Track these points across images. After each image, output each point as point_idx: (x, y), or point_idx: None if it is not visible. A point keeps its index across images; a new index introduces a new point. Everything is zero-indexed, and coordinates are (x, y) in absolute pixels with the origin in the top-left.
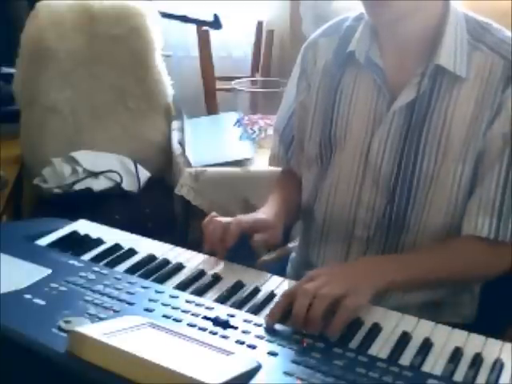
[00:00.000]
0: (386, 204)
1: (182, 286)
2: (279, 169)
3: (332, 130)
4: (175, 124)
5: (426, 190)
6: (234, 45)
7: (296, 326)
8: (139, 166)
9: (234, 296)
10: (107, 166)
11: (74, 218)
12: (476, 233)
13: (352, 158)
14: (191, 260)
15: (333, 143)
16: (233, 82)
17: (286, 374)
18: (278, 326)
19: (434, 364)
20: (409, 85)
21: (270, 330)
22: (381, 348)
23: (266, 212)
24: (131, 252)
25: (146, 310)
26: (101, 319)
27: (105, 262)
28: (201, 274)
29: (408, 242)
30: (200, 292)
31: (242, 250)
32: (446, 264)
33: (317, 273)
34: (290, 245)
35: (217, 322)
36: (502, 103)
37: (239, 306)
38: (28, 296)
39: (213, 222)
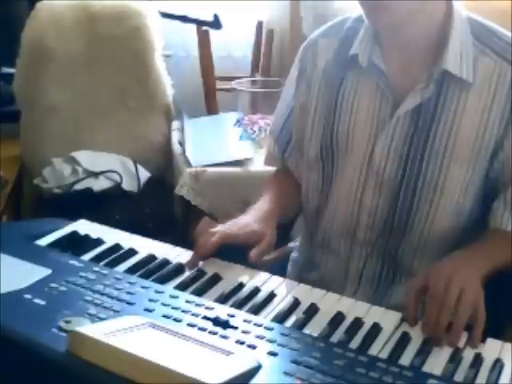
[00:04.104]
0: (388, 208)
1: (182, 286)
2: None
3: (334, 133)
4: (175, 124)
5: (431, 196)
6: (234, 45)
7: (430, 331)
8: (139, 166)
9: (234, 296)
10: (107, 166)
11: (74, 218)
12: (502, 227)
13: (354, 163)
14: None
15: (335, 147)
16: (233, 82)
17: (286, 374)
18: (277, 326)
19: (434, 364)
20: (414, 90)
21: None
22: (381, 348)
23: (256, 216)
24: (131, 252)
25: (146, 310)
26: (101, 319)
27: (105, 262)
28: (201, 274)
29: (410, 245)
30: (200, 292)
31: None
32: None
33: (447, 276)
34: (290, 245)
35: (217, 322)
36: None
37: (239, 305)
38: (28, 296)
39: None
